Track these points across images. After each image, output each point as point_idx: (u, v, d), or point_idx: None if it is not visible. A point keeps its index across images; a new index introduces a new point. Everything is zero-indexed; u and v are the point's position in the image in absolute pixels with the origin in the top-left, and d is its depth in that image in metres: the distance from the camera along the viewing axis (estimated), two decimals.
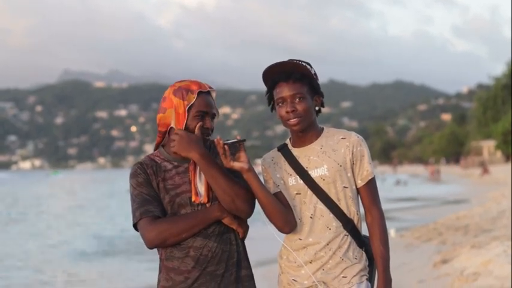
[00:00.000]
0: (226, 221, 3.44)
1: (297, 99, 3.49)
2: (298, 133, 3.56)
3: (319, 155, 3.54)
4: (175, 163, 3.49)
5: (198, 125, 3.43)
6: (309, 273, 3.50)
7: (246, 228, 3.54)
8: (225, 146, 3.36)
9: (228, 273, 3.45)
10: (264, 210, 3.48)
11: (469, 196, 35.22)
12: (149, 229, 3.37)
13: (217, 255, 3.43)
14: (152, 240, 3.38)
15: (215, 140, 3.39)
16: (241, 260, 3.51)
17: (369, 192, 3.55)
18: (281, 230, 3.53)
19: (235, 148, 3.40)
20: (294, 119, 3.50)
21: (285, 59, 3.55)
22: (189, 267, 3.41)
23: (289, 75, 3.50)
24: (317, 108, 3.59)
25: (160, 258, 3.50)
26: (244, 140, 3.42)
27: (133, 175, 3.47)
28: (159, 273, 3.51)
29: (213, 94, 3.51)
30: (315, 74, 3.57)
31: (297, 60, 3.53)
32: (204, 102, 3.44)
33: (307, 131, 3.55)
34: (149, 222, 3.37)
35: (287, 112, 3.50)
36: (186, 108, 3.43)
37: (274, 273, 3.81)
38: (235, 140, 3.40)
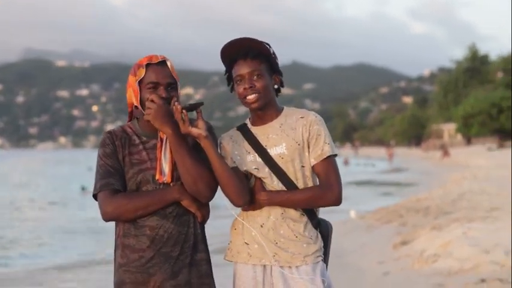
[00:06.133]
0: (185, 203, 3.41)
1: (255, 77, 3.46)
2: (257, 111, 3.53)
3: (278, 133, 3.51)
4: (144, 138, 3.48)
5: (150, 98, 3.38)
6: (259, 235, 3.47)
7: (205, 213, 3.49)
8: (184, 111, 3.33)
9: (183, 256, 3.42)
10: (219, 181, 3.41)
11: (429, 178, 35.49)
12: (106, 202, 3.38)
13: (173, 237, 3.41)
14: (108, 214, 3.39)
15: (173, 105, 3.35)
16: (198, 243, 3.48)
17: (323, 171, 3.47)
18: (234, 202, 3.46)
19: (194, 109, 3.35)
20: (252, 95, 3.46)
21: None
22: (144, 247, 3.40)
23: (247, 53, 3.47)
24: (276, 87, 3.56)
25: (118, 235, 3.49)
26: (202, 103, 3.37)
27: (101, 144, 3.50)
28: (116, 250, 3.50)
29: (168, 63, 3.45)
30: (274, 53, 3.53)
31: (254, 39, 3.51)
32: (153, 73, 3.42)
33: (265, 109, 3.52)
34: (107, 196, 3.38)
35: (245, 89, 3.47)
36: (137, 83, 3.43)
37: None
38: (194, 102, 3.36)
